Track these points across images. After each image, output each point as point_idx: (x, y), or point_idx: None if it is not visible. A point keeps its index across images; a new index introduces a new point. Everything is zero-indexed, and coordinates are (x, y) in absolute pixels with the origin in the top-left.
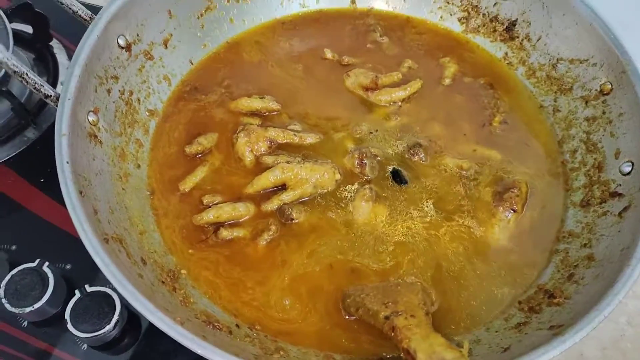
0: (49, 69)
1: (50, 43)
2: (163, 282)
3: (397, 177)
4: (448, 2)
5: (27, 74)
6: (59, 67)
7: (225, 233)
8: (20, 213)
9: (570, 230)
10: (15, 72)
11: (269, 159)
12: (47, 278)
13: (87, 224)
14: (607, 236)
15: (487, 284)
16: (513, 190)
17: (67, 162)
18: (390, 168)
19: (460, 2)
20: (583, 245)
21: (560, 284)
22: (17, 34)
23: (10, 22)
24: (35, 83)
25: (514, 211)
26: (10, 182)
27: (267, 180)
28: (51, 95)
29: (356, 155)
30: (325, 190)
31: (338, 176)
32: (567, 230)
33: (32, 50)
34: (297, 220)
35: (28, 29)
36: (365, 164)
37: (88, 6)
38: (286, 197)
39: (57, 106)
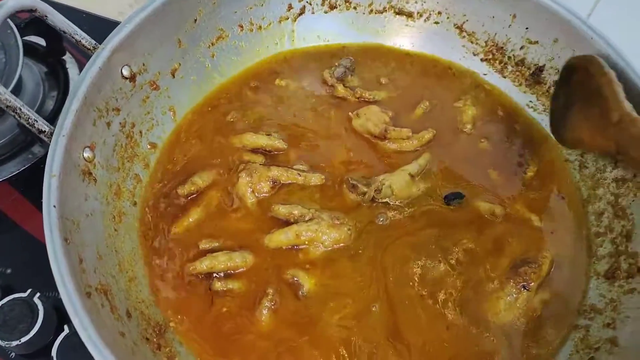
0: (60, 83)
1: (63, 57)
2: (147, 339)
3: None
4: (472, 42)
5: (20, 109)
6: (70, 82)
7: (218, 285)
8: (18, 234)
9: (593, 305)
10: (8, 106)
11: (282, 210)
12: (37, 310)
13: (69, 277)
14: (632, 319)
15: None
16: (531, 264)
17: (54, 206)
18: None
19: (485, 42)
20: (606, 324)
21: None
22: (30, 47)
23: (24, 36)
24: (28, 118)
25: (526, 289)
26: (10, 201)
27: (279, 240)
28: (45, 131)
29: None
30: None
31: (354, 235)
32: (589, 303)
33: (45, 63)
34: (305, 293)
35: (42, 41)
36: (356, 184)
37: (100, 19)
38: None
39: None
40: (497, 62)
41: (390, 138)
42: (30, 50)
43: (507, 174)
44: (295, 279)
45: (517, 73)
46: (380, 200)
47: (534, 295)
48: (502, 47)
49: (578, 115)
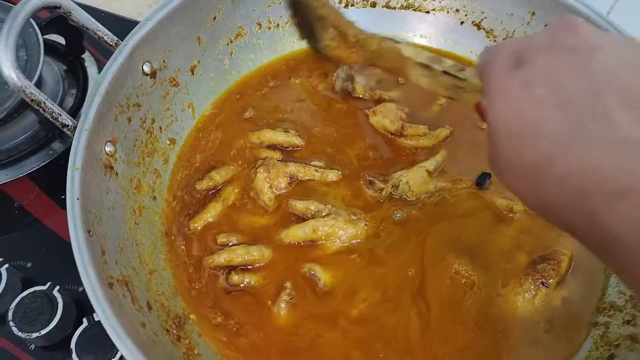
0: (79, 82)
1: (82, 56)
2: (167, 330)
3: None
4: (490, 39)
5: (44, 103)
6: (89, 80)
7: (235, 278)
8: (39, 229)
9: (612, 302)
10: (32, 100)
11: (299, 205)
12: (57, 303)
13: (92, 268)
14: None
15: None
16: (550, 261)
17: (78, 199)
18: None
19: (504, 40)
20: (626, 321)
21: None
22: (50, 45)
23: (44, 34)
24: (52, 112)
25: (544, 286)
26: (31, 197)
27: (296, 235)
28: (69, 125)
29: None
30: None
31: (371, 231)
32: (608, 301)
33: (64, 62)
34: (323, 286)
35: (62, 39)
36: (373, 181)
37: (118, 18)
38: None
39: (73, 136)
40: None
41: (407, 135)
42: (51, 49)
43: None
44: (312, 272)
45: None
46: (397, 197)
47: (552, 291)
48: None
49: (324, 37)
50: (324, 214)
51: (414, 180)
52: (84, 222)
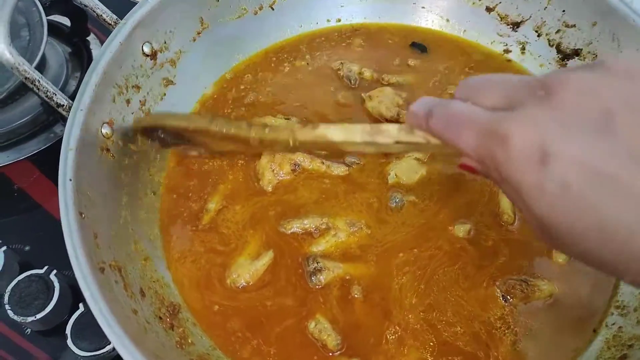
0: (83, 64)
1: (87, 38)
2: (160, 317)
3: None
4: (505, 25)
5: (38, 81)
6: None
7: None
8: (38, 213)
9: (625, 302)
10: (27, 78)
11: (295, 225)
12: (53, 287)
13: (81, 251)
14: None
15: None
16: (521, 285)
17: (70, 180)
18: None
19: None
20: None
21: None
22: (54, 26)
23: (48, 15)
24: (47, 91)
25: (505, 301)
26: (32, 180)
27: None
28: (64, 105)
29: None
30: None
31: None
32: (621, 300)
33: (69, 43)
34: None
35: (67, 21)
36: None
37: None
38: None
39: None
40: (531, 45)
41: (404, 121)
42: (55, 30)
43: None
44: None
45: (553, 57)
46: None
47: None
48: (537, 31)
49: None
50: (323, 227)
51: (402, 171)
52: (76, 204)
